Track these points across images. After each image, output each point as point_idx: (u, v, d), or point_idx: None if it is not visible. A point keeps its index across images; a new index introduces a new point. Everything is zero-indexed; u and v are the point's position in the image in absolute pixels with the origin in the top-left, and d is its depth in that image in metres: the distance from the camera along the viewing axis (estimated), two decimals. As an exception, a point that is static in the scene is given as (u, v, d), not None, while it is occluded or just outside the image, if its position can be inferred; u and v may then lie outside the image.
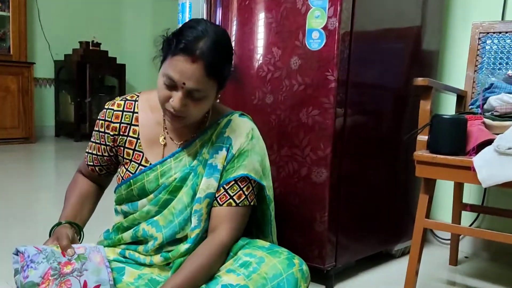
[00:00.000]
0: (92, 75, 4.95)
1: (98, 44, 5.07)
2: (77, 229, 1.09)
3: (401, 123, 1.93)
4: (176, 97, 0.99)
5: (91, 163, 1.19)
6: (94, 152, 1.18)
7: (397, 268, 1.88)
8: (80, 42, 4.97)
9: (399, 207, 2.01)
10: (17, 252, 0.96)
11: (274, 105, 1.68)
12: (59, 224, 1.07)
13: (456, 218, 1.89)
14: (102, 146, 1.16)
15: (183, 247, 1.09)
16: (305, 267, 1.04)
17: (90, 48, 4.99)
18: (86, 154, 1.20)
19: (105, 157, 1.18)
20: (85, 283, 0.95)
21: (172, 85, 0.99)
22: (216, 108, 1.19)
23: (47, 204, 2.76)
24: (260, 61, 1.72)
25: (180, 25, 1.12)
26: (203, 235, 1.11)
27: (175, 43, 0.98)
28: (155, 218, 1.11)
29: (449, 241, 2.01)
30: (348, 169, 1.67)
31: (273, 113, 1.69)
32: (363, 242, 1.82)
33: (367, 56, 1.68)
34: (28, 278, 0.90)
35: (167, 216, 1.10)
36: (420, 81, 1.50)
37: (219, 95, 1.12)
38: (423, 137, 1.52)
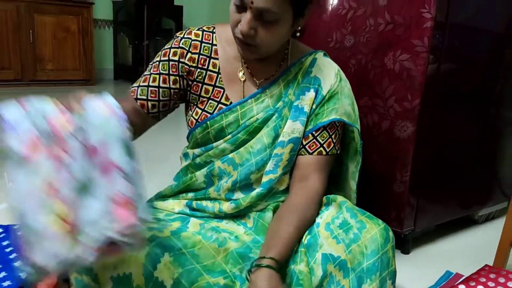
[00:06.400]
0: (150, 17, 4.85)
1: (156, -15, 4.92)
2: None
3: (497, 72, 1.68)
4: (244, 19, 0.88)
5: (144, 97, 1.01)
6: (155, 84, 1.01)
7: (480, 236, 1.71)
8: (138, -18, 4.84)
9: (485, 168, 1.80)
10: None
11: (355, 48, 1.48)
12: None
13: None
14: (172, 77, 1.00)
15: (255, 192, 1.00)
16: (394, 242, 0.90)
17: (148, -12, 4.85)
18: (137, 87, 1.02)
19: (171, 90, 1.01)
20: (92, 147, 0.67)
21: (241, 6, 0.88)
22: (296, 45, 1.06)
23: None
24: (340, -3, 1.51)
25: None
26: (276, 184, 1.01)
27: None
28: (230, 156, 1.01)
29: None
30: (435, 124, 1.47)
31: (352, 58, 1.49)
32: (444, 206, 1.64)
33: (468, -8, 1.42)
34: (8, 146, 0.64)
35: (243, 154, 1.01)
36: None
37: (299, 27, 0.96)
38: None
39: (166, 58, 1.01)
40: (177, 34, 1.03)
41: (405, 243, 1.54)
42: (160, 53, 1.03)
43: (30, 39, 4.21)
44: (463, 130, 1.62)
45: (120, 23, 5.09)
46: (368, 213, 0.93)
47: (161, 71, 1.01)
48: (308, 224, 0.94)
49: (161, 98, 1.02)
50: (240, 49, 0.95)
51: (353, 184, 1.10)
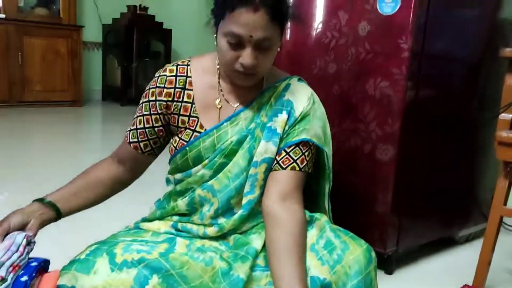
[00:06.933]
0: (139, 40, 4.92)
1: (146, 9, 5.00)
2: (54, 212, 1.00)
3: (471, 99, 1.76)
4: (246, 54, 0.93)
5: (135, 140, 1.10)
6: (141, 125, 1.09)
7: (462, 255, 1.76)
8: (128, 6, 4.92)
9: (464, 190, 1.86)
10: None
11: (337, 75, 1.55)
12: (41, 200, 1.00)
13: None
14: (153, 116, 1.08)
15: (237, 215, 1.04)
16: (376, 263, 0.95)
17: (138, 12, 4.93)
18: (128, 132, 1.11)
19: (155, 128, 1.09)
20: None
21: (238, 43, 0.93)
22: (273, 71, 1.12)
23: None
24: (323, 27, 1.58)
25: None
26: (256, 205, 1.04)
27: None
28: (209, 183, 1.05)
29: (518, 229, 1.85)
30: (415, 147, 1.53)
31: (335, 84, 1.56)
32: (426, 227, 1.69)
33: (442, 24, 1.50)
34: None
35: (222, 180, 1.04)
36: (508, 52, 1.33)
37: (281, 43, 1.03)
38: (506, 116, 1.36)
39: (147, 99, 1.07)
40: (156, 73, 1.09)
41: (388, 264, 1.58)
42: (143, 95, 1.09)
43: (19, 61, 4.24)
44: (442, 153, 1.69)
45: (109, 45, 5.14)
46: (351, 234, 0.97)
47: (144, 113, 1.08)
48: (306, 247, 0.96)
49: (149, 137, 1.09)
50: (240, 80, 0.99)
51: (328, 204, 1.14)
